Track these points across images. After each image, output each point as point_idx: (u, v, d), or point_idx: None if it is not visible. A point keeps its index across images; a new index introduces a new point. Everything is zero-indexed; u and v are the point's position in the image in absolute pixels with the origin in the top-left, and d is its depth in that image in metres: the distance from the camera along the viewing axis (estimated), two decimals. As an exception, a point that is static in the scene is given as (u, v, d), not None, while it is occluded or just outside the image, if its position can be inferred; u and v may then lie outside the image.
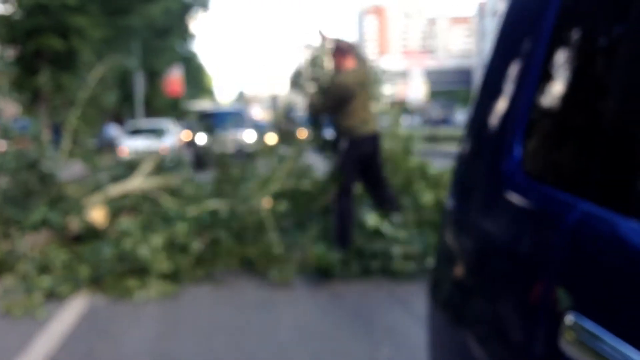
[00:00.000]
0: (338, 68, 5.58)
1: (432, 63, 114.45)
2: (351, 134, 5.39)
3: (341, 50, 5.55)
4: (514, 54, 1.46)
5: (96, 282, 4.92)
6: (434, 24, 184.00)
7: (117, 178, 6.66)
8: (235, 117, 18.95)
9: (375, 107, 5.83)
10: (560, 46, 1.29)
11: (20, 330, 4.19)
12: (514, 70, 1.44)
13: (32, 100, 20.11)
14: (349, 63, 5.51)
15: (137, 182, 6.14)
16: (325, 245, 5.30)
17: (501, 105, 1.46)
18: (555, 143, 1.27)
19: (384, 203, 5.53)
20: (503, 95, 1.46)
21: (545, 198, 1.19)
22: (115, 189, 5.92)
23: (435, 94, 79.31)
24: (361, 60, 5.77)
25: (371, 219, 5.36)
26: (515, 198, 1.31)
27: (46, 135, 6.92)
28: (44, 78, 22.42)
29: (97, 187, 6.04)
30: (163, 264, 5.03)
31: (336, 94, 5.39)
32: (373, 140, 5.51)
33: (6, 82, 7.66)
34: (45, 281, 4.72)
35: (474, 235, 1.50)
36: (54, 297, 4.69)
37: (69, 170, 7.00)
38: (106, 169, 6.81)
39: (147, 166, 6.61)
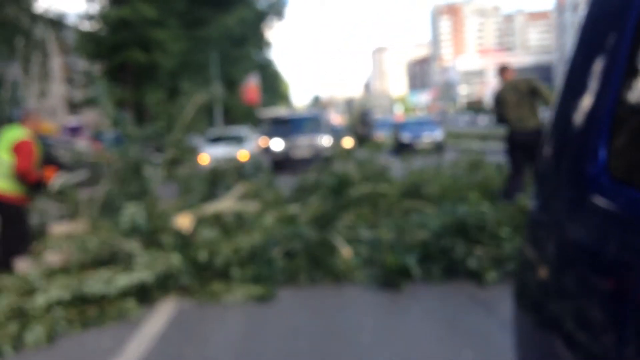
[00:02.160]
0: (501, 81, 7.29)
1: (510, 60, 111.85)
2: (510, 128, 7.02)
3: (502, 69, 7.38)
4: (598, 50, 1.42)
5: (184, 287, 5.09)
6: (510, 21, 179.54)
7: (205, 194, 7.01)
8: (311, 122, 19.07)
9: (529, 108, 6.88)
10: None
11: (114, 332, 4.40)
12: (597, 67, 1.41)
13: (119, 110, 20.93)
14: (508, 76, 7.25)
15: (227, 204, 6.34)
16: (403, 248, 5.29)
17: (584, 104, 1.43)
18: None
19: (508, 192, 6.69)
20: (586, 94, 1.43)
21: (633, 202, 1.17)
22: (207, 209, 6.12)
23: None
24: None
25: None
26: (601, 202, 1.28)
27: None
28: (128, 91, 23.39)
29: (189, 206, 6.28)
30: (245, 269, 5.17)
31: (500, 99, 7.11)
32: (526, 134, 6.79)
33: (106, 98, 8.13)
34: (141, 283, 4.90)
35: (558, 237, 1.48)
36: (145, 301, 4.89)
37: (164, 189, 7.38)
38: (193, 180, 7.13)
39: (239, 190, 6.82)
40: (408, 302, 4.68)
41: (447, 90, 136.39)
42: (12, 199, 5.62)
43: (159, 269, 4.88)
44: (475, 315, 4.25)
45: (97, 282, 4.68)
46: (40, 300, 4.49)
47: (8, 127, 6.07)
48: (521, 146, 6.83)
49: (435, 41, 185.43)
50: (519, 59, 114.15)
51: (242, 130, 21.64)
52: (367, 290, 5.02)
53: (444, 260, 5.12)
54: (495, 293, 4.66)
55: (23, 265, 5.51)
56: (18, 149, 5.59)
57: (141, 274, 4.78)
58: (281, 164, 17.11)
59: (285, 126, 18.82)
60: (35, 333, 4.22)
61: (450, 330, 4.01)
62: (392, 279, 5.00)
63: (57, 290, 4.58)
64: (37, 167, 5.84)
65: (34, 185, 5.82)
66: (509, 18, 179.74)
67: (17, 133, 5.70)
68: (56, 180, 6.26)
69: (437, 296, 4.77)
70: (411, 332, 4.04)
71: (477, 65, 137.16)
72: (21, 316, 4.41)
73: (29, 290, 4.72)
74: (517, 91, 6.91)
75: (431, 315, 4.35)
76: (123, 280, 4.75)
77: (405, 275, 5.01)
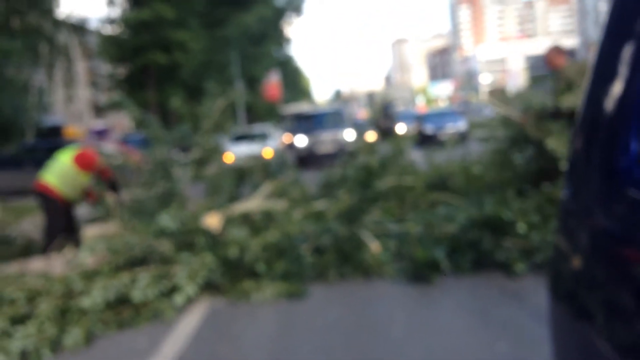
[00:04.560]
0: (557, 66, 6.19)
1: (532, 47, 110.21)
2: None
3: (555, 53, 6.22)
4: (627, 35, 1.39)
5: (215, 286, 5.16)
6: (531, 7, 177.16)
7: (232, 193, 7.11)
8: (334, 117, 19.07)
9: None
10: None
11: (149, 332, 4.48)
12: (627, 53, 1.38)
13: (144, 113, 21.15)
14: (562, 61, 6.17)
15: (256, 203, 6.39)
16: (431, 241, 5.29)
17: (614, 93, 1.41)
18: None
19: None
20: (616, 82, 1.41)
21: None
22: (236, 208, 6.18)
23: (536, 79, 76.42)
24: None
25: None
26: (634, 193, 1.28)
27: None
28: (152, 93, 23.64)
29: (217, 205, 6.35)
30: (275, 267, 5.21)
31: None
32: None
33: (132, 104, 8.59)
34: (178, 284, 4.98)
35: (590, 228, 1.48)
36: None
37: (192, 189, 7.51)
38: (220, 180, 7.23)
39: (266, 189, 6.88)
40: (438, 295, 4.69)
41: (468, 80, 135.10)
42: (58, 196, 6.47)
43: (200, 279, 4.95)
44: (507, 306, 4.24)
45: (139, 288, 4.77)
46: (87, 302, 4.60)
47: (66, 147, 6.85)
48: None
49: (455, 31, 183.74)
50: (541, 46, 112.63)
51: (265, 127, 21.71)
52: (396, 284, 5.04)
53: (472, 252, 5.12)
54: (525, 284, 4.65)
55: (58, 266, 5.66)
56: (83, 157, 6.62)
57: (189, 288, 4.86)
58: (305, 159, 17.14)
59: (308, 122, 18.85)
60: (74, 335, 4.32)
61: (482, 322, 4.01)
62: (421, 272, 5.01)
63: (100, 292, 4.68)
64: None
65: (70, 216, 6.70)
66: (529, 4, 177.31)
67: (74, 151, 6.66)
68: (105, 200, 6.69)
69: (467, 288, 4.77)
70: (443, 325, 4.05)
71: (498, 54, 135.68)
72: (59, 318, 4.51)
73: (67, 293, 4.82)
74: (582, 72, 5.96)
75: (462, 307, 4.35)
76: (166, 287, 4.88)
77: (435, 268, 5.02)
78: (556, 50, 6.21)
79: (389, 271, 5.21)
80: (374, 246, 5.40)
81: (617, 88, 1.40)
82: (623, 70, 1.38)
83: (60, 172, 6.55)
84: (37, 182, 6.59)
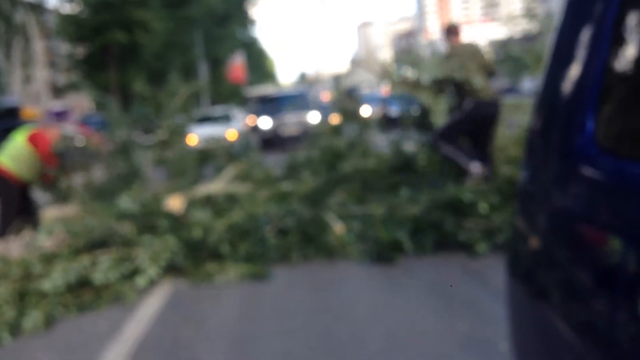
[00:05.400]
0: (451, 45, 6.36)
1: (495, 32, 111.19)
2: (477, 96, 6.00)
3: (450, 31, 6.38)
4: (585, 18, 1.40)
5: (178, 268, 5.12)
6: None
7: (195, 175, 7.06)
8: (299, 100, 18.97)
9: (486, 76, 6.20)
10: (633, 6, 1.25)
11: (111, 315, 4.43)
12: (584, 36, 1.39)
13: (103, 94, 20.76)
14: (455, 41, 6.35)
15: (219, 186, 6.34)
16: (394, 222, 5.33)
17: (572, 74, 1.43)
18: (629, 113, 1.25)
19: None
20: (574, 64, 1.43)
21: (621, 172, 1.19)
22: (199, 191, 6.13)
23: (500, 62, 77.27)
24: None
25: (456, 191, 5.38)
26: (589, 172, 1.30)
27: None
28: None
29: (180, 188, 6.29)
30: (239, 248, 5.20)
31: (453, 66, 6.12)
32: (496, 105, 6.08)
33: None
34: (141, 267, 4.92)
35: (548, 208, 1.50)
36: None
37: (155, 172, 7.43)
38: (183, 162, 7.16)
39: (231, 172, 6.83)
40: (402, 276, 4.73)
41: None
42: (13, 177, 6.29)
43: (162, 261, 4.91)
44: (469, 286, 4.31)
45: (100, 271, 4.70)
46: (46, 285, 4.52)
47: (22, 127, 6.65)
48: (485, 119, 6.12)
49: (421, 14, 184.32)
50: (505, 30, 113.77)
51: (229, 109, 21.52)
52: (360, 265, 5.07)
53: (435, 233, 5.17)
54: (487, 264, 4.72)
55: (16, 249, 5.54)
56: (36, 137, 6.38)
57: (151, 270, 4.81)
58: (270, 142, 17.07)
59: (273, 104, 18.73)
60: (33, 319, 4.25)
61: (444, 302, 4.06)
62: (384, 253, 5.05)
63: (60, 274, 4.60)
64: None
65: (25, 197, 6.49)
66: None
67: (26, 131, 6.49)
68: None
69: (430, 269, 4.82)
70: (406, 305, 4.09)
71: (463, 36, 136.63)
72: (18, 302, 4.42)
73: (26, 276, 4.73)
74: (473, 54, 6.21)
75: (425, 287, 4.40)
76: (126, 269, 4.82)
77: (398, 249, 5.06)
78: (452, 29, 6.36)
79: (352, 252, 5.23)
80: (338, 228, 5.42)
81: (575, 68, 1.41)
82: (581, 51, 1.40)
83: (14, 152, 6.36)
84: None
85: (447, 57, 6.24)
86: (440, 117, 6.22)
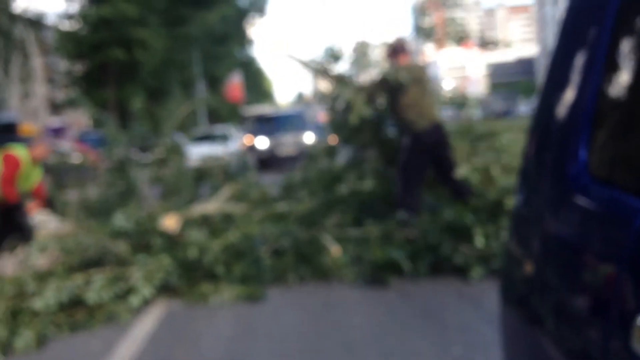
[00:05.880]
0: (393, 64, 5.90)
1: (492, 55, 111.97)
2: (411, 128, 5.64)
3: (395, 49, 5.89)
4: (578, 44, 1.41)
5: (172, 288, 5.09)
6: (491, 15, 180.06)
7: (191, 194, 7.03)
8: (295, 119, 19.01)
9: (431, 100, 5.83)
10: (626, 34, 1.25)
11: (104, 335, 4.39)
12: (578, 62, 1.39)
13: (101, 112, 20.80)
14: (403, 60, 5.84)
15: (215, 206, 6.34)
16: (390, 244, 5.32)
17: (565, 100, 1.43)
18: (621, 141, 1.25)
19: (458, 192, 5.71)
20: (567, 89, 1.43)
21: (613, 202, 1.19)
22: (195, 210, 6.12)
23: (496, 86, 77.78)
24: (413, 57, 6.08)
25: (449, 213, 5.35)
26: (582, 201, 1.31)
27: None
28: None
29: (176, 207, 6.27)
30: (234, 269, 5.18)
31: (389, 86, 5.69)
32: (434, 131, 5.67)
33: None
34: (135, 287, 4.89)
35: (542, 234, 1.50)
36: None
37: (151, 190, 7.41)
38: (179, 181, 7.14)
39: (226, 192, 6.82)
40: (396, 299, 4.71)
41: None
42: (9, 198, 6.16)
43: (156, 280, 4.88)
44: (463, 310, 4.30)
45: (94, 290, 4.67)
46: (39, 304, 4.49)
47: (14, 143, 6.44)
48: (429, 148, 5.70)
49: (417, 36, 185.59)
50: (501, 53, 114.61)
51: (226, 128, 21.55)
52: (355, 287, 5.05)
53: (431, 257, 5.16)
54: (482, 288, 4.71)
55: (10, 267, 5.51)
56: (5, 159, 6.19)
57: (145, 290, 4.79)
58: (267, 162, 17.07)
59: (270, 124, 18.77)
60: (25, 338, 4.21)
61: (439, 325, 4.05)
62: (380, 275, 5.04)
63: (53, 293, 4.57)
64: (22, 188, 6.36)
65: (10, 205, 6.24)
66: (490, 12, 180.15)
67: (15, 149, 6.31)
68: (38, 215, 6.33)
69: (425, 292, 4.80)
70: (400, 328, 4.07)
71: (459, 60, 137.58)
72: (10, 320, 4.39)
73: (19, 294, 4.70)
74: (418, 78, 5.72)
75: (420, 311, 4.38)
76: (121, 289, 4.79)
77: (393, 271, 5.05)
78: (399, 47, 5.92)
79: (348, 274, 5.22)
80: (334, 249, 5.41)
81: (568, 95, 1.42)
82: (575, 78, 1.40)
83: None
84: None
85: (388, 74, 5.75)
86: (358, 115, 5.70)
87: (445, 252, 5.08)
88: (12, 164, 6.17)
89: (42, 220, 6.45)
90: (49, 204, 6.78)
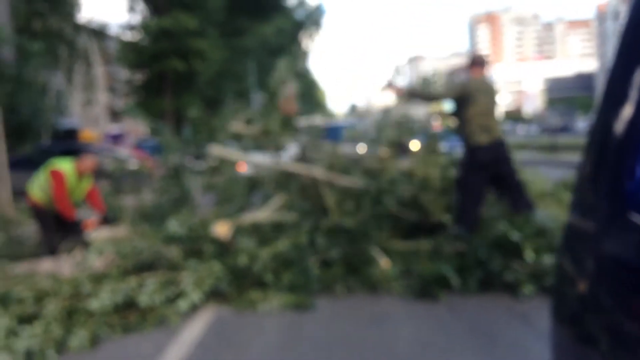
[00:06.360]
0: (467, 76, 5.95)
1: (550, 69, 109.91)
2: (470, 142, 5.64)
3: (473, 61, 5.96)
4: (638, 60, 1.39)
5: (222, 294, 5.16)
6: (550, 29, 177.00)
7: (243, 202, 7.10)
8: (349, 131, 19.02)
9: (496, 118, 5.79)
10: None
11: (154, 338, 4.48)
12: (637, 78, 1.38)
13: (159, 120, 21.29)
14: (477, 73, 5.88)
15: (266, 214, 6.40)
16: (441, 259, 5.26)
17: (623, 117, 1.41)
18: None
19: (520, 208, 5.62)
20: (625, 106, 1.41)
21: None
22: (246, 218, 6.19)
23: (553, 101, 76.19)
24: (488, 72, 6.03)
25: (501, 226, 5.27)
26: (638, 219, 1.28)
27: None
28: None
29: (228, 214, 6.37)
30: (283, 278, 5.21)
31: (457, 95, 5.75)
32: (494, 148, 5.62)
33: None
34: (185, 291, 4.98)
35: (596, 252, 1.47)
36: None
37: (204, 197, 7.54)
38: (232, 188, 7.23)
39: (277, 201, 6.88)
40: (445, 314, 4.66)
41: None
42: (42, 206, 6.54)
43: (206, 286, 4.97)
44: (513, 327, 4.22)
45: (146, 293, 4.78)
46: (94, 305, 4.62)
47: (62, 158, 6.63)
48: (487, 165, 5.65)
49: (473, 50, 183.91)
50: (559, 68, 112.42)
51: (280, 138, 21.67)
52: (403, 300, 5.01)
53: (480, 272, 5.08)
54: (532, 306, 4.62)
55: (67, 268, 5.69)
56: (51, 175, 6.48)
57: (194, 295, 4.88)
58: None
59: (323, 135, 18.83)
60: (80, 337, 4.33)
61: (488, 342, 3.98)
62: (429, 289, 4.99)
63: (108, 295, 4.70)
64: (73, 202, 6.62)
65: (65, 220, 6.56)
66: (548, 26, 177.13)
67: (60, 163, 6.55)
68: (93, 232, 6.51)
69: (474, 308, 4.74)
70: (449, 344, 4.03)
71: (515, 74, 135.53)
72: (66, 320, 4.52)
73: (75, 294, 4.84)
74: (486, 93, 5.76)
75: (469, 327, 4.32)
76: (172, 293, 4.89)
77: (442, 286, 4.99)
78: (478, 60, 5.95)
79: (396, 287, 5.19)
80: (384, 262, 5.38)
81: (627, 111, 1.39)
82: (633, 94, 1.38)
83: (40, 184, 6.61)
84: (27, 196, 6.72)
85: (461, 85, 5.81)
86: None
87: (495, 268, 5.00)
88: (59, 179, 6.44)
89: (99, 233, 6.63)
90: (107, 219, 6.95)
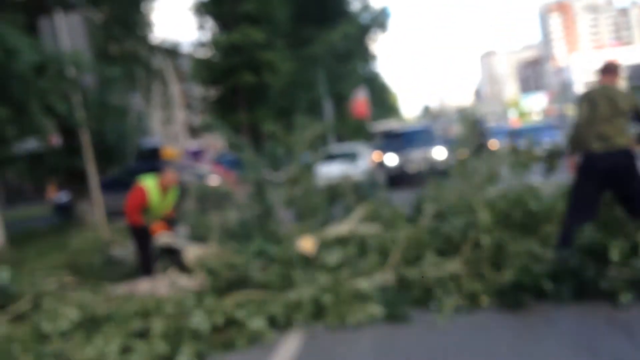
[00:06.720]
0: (599, 81, 5.59)
1: (629, 56, 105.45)
2: (583, 147, 5.36)
3: (605, 68, 5.58)
4: None
5: (316, 309, 5.22)
6: (625, 15, 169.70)
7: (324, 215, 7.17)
8: (424, 134, 18.91)
9: (621, 128, 5.32)
10: None
11: (253, 355, 4.60)
12: None
13: (235, 134, 21.72)
14: (606, 80, 5.51)
15: (349, 227, 6.46)
16: (535, 267, 5.12)
17: None
18: None
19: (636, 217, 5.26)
20: None
21: None
22: (330, 232, 6.27)
23: (636, 89, 72.95)
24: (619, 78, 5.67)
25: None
26: None
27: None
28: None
29: (311, 229, 6.46)
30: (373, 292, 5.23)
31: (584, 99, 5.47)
32: (610, 157, 5.25)
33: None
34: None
35: None
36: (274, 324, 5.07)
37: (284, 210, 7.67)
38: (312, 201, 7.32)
39: (360, 212, 6.92)
40: (540, 324, 4.55)
41: (563, 92, 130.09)
42: (140, 225, 6.75)
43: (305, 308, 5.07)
44: (615, 339, 4.07)
45: (243, 311, 4.93)
46: (196, 323, 4.81)
47: (150, 174, 7.01)
48: (599, 174, 5.29)
49: (546, 41, 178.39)
50: (639, 54, 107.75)
51: (355, 146, 21.70)
52: (497, 311, 4.93)
53: (574, 280, 4.92)
54: (633, 314, 4.45)
55: (163, 287, 5.92)
56: (134, 191, 6.76)
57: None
58: (396, 179, 17.04)
59: (398, 140, 18.78)
60: (186, 355, 4.52)
61: (588, 354, 3.87)
62: (520, 297, 4.89)
63: (208, 313, 4.88)
64: (147, 216, 6.79)
65: (136, 229, 6.78)
66: (623, 12, 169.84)
67: (144, 180, 6.81)
68: (162, 236, 6.71)
69: (570, 318, 4.61)
70: (546, 356, 3.94)
71: (593, 63, 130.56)
72: (172, 338, 4.71)
73: (177, 313, 5.03)
74: (611, 100, 5.31)
75: (567, 338, 4.20)
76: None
77: (536, 294, 4.89)
78: (609, 67, 5.55)
79: (486, 300, 5.09)
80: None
81: None
82: None
83: None
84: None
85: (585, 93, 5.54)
86: None
87: (588, 275, 4.84)
88: (137, 196, 6.70)
89: (181, 242, 6.83)
90: (173, 222, 7.13)
